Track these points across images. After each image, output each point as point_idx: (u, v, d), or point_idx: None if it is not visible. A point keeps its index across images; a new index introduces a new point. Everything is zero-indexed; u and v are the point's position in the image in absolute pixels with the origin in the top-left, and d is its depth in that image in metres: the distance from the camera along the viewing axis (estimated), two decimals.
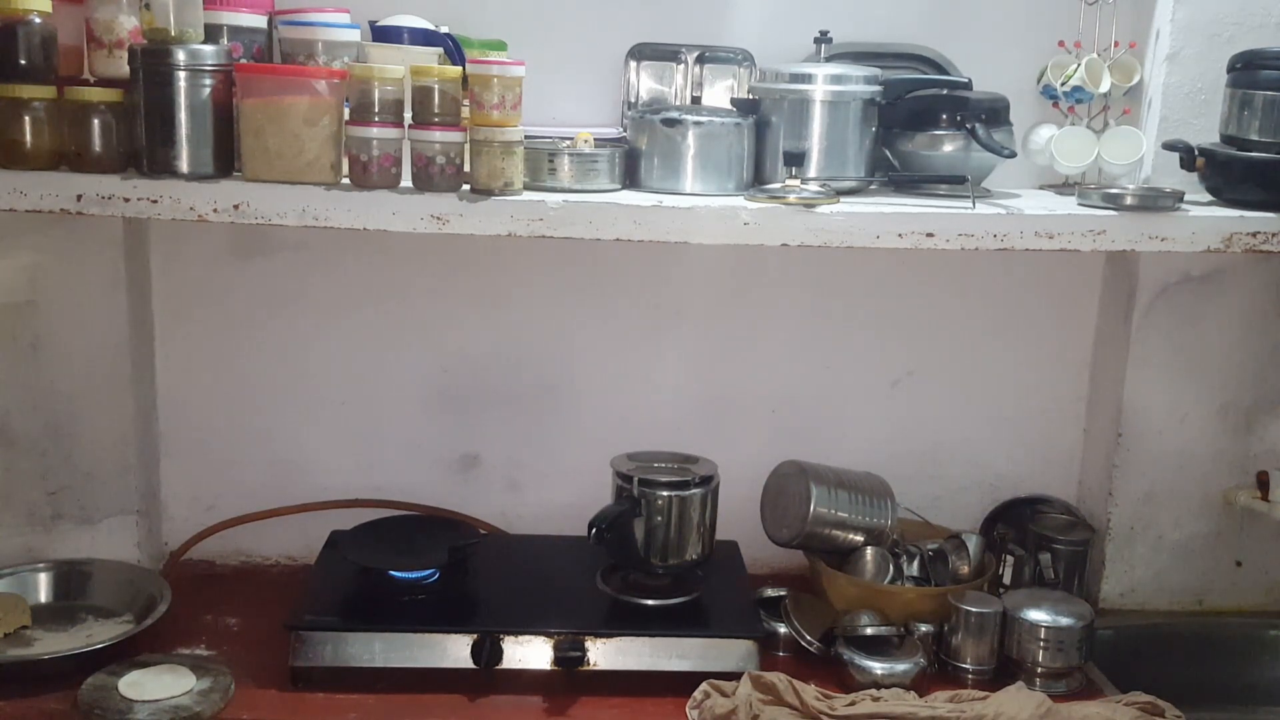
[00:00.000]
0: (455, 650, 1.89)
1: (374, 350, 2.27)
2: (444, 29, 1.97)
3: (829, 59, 2.01)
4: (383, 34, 1.94)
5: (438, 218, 1.77)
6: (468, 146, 1.78)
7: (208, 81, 1.74)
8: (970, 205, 1.88)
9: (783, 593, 2.14)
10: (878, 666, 1.93)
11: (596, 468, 2.09)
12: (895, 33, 2.17)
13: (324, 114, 1.76)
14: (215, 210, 1.75)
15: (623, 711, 1.85)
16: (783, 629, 2.04)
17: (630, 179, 1.93)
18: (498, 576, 2.09)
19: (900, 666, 1.93)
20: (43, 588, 2.10)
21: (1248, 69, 1.99)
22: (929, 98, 2.00)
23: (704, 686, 1.85)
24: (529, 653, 1.90)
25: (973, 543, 2.16)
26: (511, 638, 1.90)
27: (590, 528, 1.97)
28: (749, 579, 2.17)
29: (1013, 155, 1.98)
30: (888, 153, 2.01)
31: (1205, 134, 2.08)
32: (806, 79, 1.95)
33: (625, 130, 2.00)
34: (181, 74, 1.72)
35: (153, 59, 1.72)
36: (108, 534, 2.18)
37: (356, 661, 1.88)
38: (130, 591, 2.08)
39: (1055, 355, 2.35)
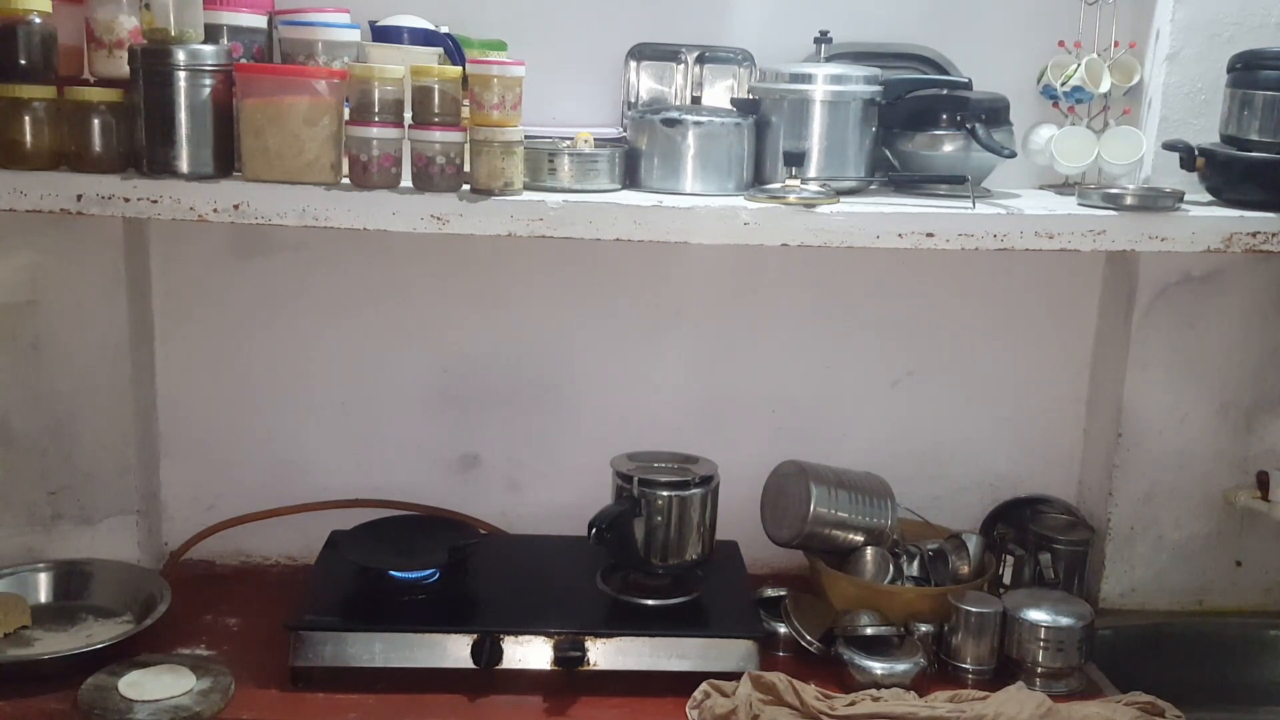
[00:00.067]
0: (455, 650, 1.89)
1: (374, 350, 2.27)
2: (444, 29, 1.97)
3: (829, 59, 2.01)
4: (383, 34, 1.94)
5: (438, 218, 1.77)
6: (468, 146, 1.78)
7: (208, 81, 1.74)
8: (970, 205, 1.88)
9: (783, 593, 2.14)
10: (878, 666, 1.93)
11: (596, 468, 2.09)
12: (895, 33, 2.17)
13: (324, 114, 1.76)
14: (215, 210, 1.75)
15: (623, 711, 1.85)
16: (783, 629, 2.04)
17: (630, 179, 1.93)
18: (498, 576, 2.09)
19: (900, 666, 1.93)
20: (43, 588, 2.10)
21: (1248, 69, 1.99)
22: (929, 98, 2.00)
23: (704, 686, 1.85)
24: (529, 653, 1.90)
25: (973, 543, 2.16)
26: (511, 638, 1.90)
27: (590, 528, 1.97)
28: (749, 579, 2.17)
29: (1013, 155, 1.98)
30: (888, 153, 2.01)
31: (1205, 134, 2.08)
32: (806, 79, 1.95)
33: (625, 130, 2.00)
34: (181, 74, 1.72)
35: (153, 59, 1.72)
36: (108, 534, 2.18)
37: (356, 661, 1.89)
38: (130, 591, 2.08)
39: (1055, 355, 2.35)
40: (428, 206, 1.77)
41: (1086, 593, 2.27)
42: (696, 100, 2.13)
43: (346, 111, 1.79)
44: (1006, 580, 2.20)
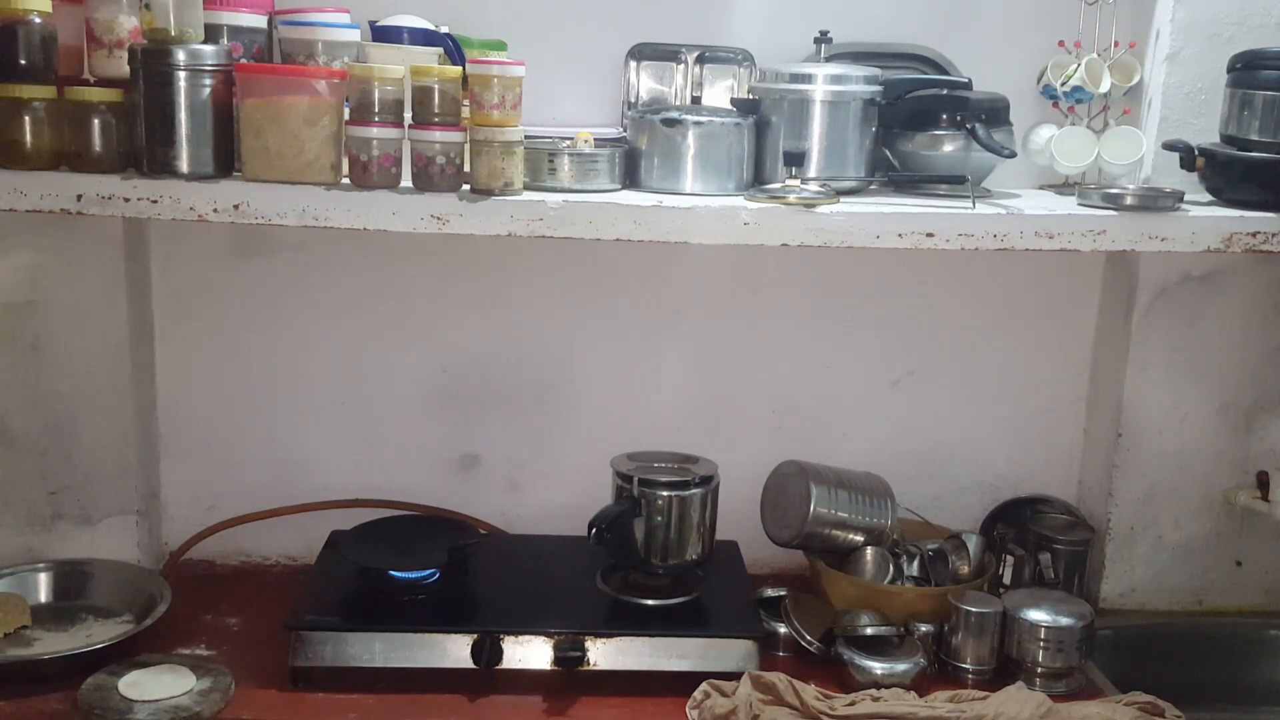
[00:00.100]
0: (455, 650, 1.89)
1: (374, 350, 2.27)
2: (444, 29, 1.97)
3: (829, 59, 2.01)
4: (383, 34, 1.94)
5: (438, 218, 1.77)
6: (468, 146, 1.78)
7: (208, 81, 1.74)
8: (970, 205, 1.88)
9: (783, 593, 2.14)
10: (878, 666, 1.93)
11: (596, 468, 2.09)
12: (895, 33, 2.17)
13: (324, 114, 1.76)
14: (215, 210, 1.75)
15: (623, 711, 1.85)
16: (783, 629, 2.04)
17: (630, 179, 1.93)
18: (498, 576, 2.09)
19: (900, 666, 1.93)
20: (43, 588, 2.10)
21: (1248, 69, 1.99)
22: (929, 98, 2.00)
23: (704, 686, 1.85)
24: (529, 653, 1.90)
25: (973, 543, 2.16)
26: (511, 638, 1.90)
27: (590, 528, 1.97)
28: (749, 579, 2.17)
29: (1013, 155, 1.98)
30: (888, 153, 2.01)
31: (1205, 134, 2.08)
32: (806, 79, 1.95)
33: (625, 130, 2.00)
34: (181, 74, 1.72)
35: (153, 59, 1.72)
36: (108, 534, 2.18)
37: (356, 661, 1.88)
38: (130, 591, 2.08)
39: (1055, 355, 2.35)
40: (428, 206, 1.77)
41: (1086, 593, 2.27)
42: (696, 100, 2.13)
43: (346, 111, 1.79)
44: (1006, 580, 2.20)
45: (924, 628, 2.01)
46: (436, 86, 1.76)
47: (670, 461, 2.08)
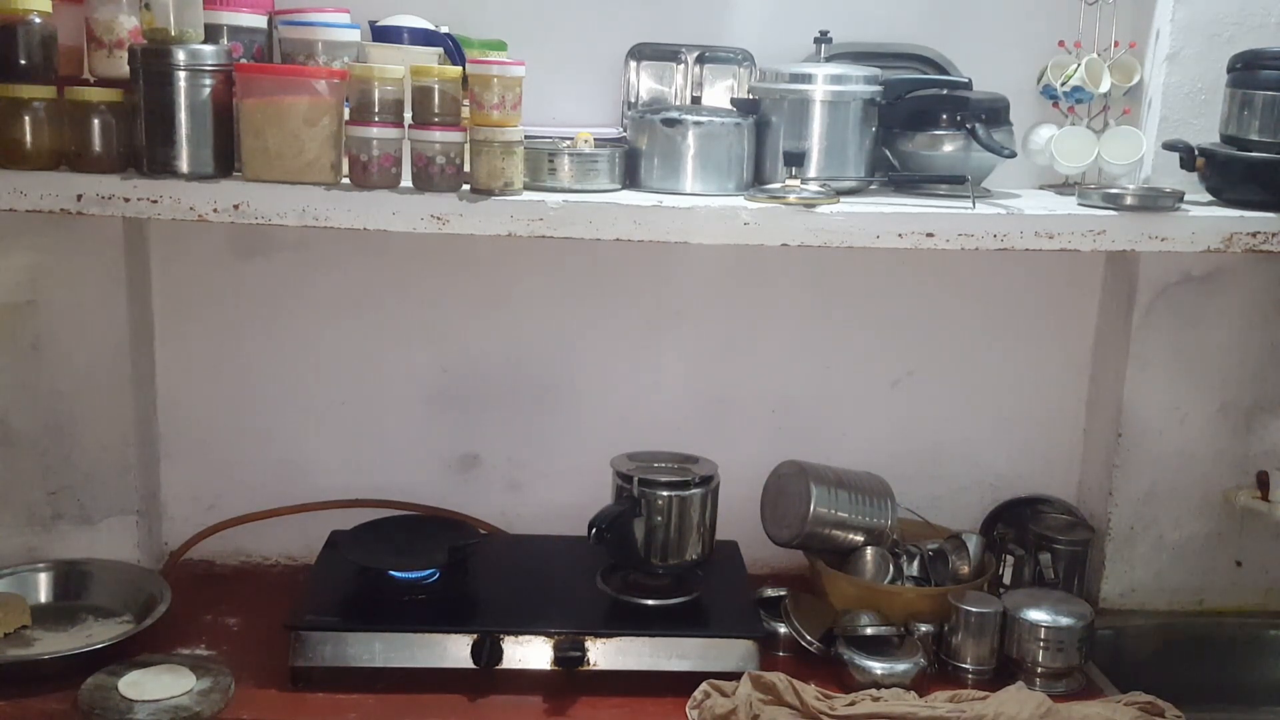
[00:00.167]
0: (455, 650, 1.89)
1: (374, 350, 2.27)
2: (444, 29, 1.97)
3: (829, 59, 2.01)
4: (383, 34, 1.94)
5: (438, 218, 1.77)
6: (468, 146, 1.78)
7: (208, 81, 1.74)
8: (970, 205, 1.88)
9: (783, 593, 2.14)
10: (878, 666, 1.93)
11: (596, 468, 2.09)
12: (895, 33, 2.17)
13: (324, 114, 1.76)
14: (215, 210, 1.75)
15: (623, 711, 1.85)
16: (783, 629, 2.04)
17: (630, 179, 1.93)
18: (498, 576, 2.09)
19: (900, 666, 1.93)
20: (43, 588, 2.10)
21: (1248, 69, 1.99)
22: (929, 98, 2.00)
23: (704, 686, 1.85)
24: (529, 653, 1.90)
25: (973, 543, 2.16)
26: (511, 638, 1.90)
27: (590, 528, 1.97)
28: (749, 579, 2.17)
29: (1013, 155, 1.98)
30: (888, 153, 2.01)
31: (1205, 134, 2.08)
32: (806, 79, 1.95)
33: (625, 130, 2.00)
34: (181, 74, 1.72)
35: (153, 59, 1.72)
36: (108, 534, 2.18)
37: (356, 661, 1.88)
38: (130, 591, 2.08)
39: (1055, 355, 2.35)
40: (428, 206, 1.77)
41: (1086, 593, 2.27)
42: (696, 100, 2.13)
43: (346, 111, 1.79)
44: (1006, 580, 2.20)
45: (924, 628, 2.01)
46: (436, 86, 1.76)
47: (670, 461, 2.08)
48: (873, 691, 1.88)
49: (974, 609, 1.99)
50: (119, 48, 1.80)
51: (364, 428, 2.29)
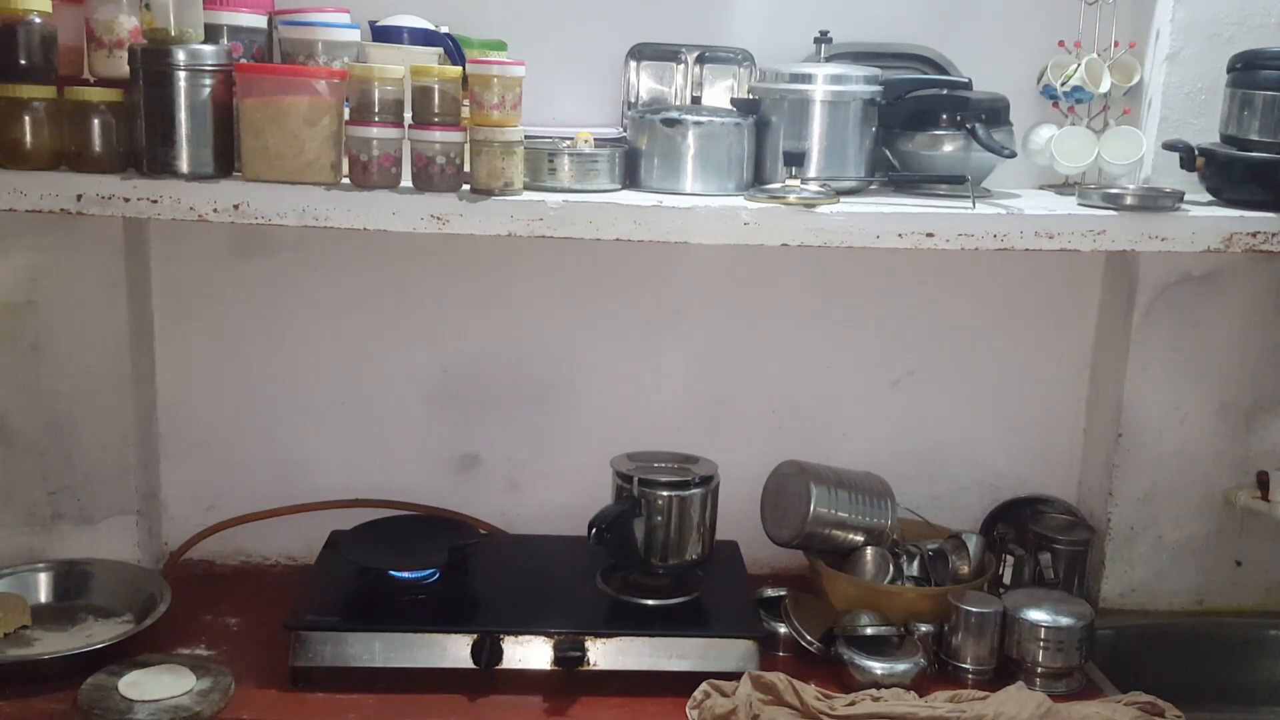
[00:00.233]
0: (455, 650, 1.89)
1: (374, 350, 2.27)
2: (444, 29, 1.97)
3: (829, 59, 2.01)
4: (383, 34, 1.94)
5: (438, 218, 1.77)
6: (468, 146, 1.78)
7: (208, 81, 1.74)
8: (970, 205, 1.88)
9: (783, 593, 2.14)
10: (878, 666, 1.93)
11: (596, 468, 2.09)
12: (895, 33, 2.17)
13: (324, 114, 1.76)
14: (215, 210, 1.75)
15: (623, 711, 1.85)
16: (783, 629, 2.04)
17: (630, 179, 1.93)
18: (498, 576, 2.09)
19: (900, 666, 1.93)
20: (43, 588, 2.10)
21: (1248, 69, 1.99)
22: (929, 98, 2.00)
23: (704, 686, 1.85)
24: (529, 653, 1.90)
25: (973, 543, 2.16)
26: (511, 638, 1.90)
27: (590, 528, 1.97)
28: (749, 579, 2.17)
29: (1013, 155, 1.98)
30: (888, 153, 2.01)
31: (1205, 134, 2.08)
32: (806, 79, 1.95)
33: (625, 130, 2.00)
34: (181, 74, 1.72)
35: (153, 59, 1.72)
36: (108, 534, 2.18)
37: (356, 661, 1.88)
38: (130, 591, 2.08)
39: (1055, 355, 2.35)
40: (428, 206, 1.77)
41: (1086, 593, 2.27)
42: (696, 100, 2.13)
43: (346, 111, 1.79)
44: (1006, 580, 2.20)
45: (924, 628, 2.01)
46: (436, 86, 1.76)
47: (670, 461, 2.08)
48: (873, 691, 1.88)
49: (974, 609, 1.99)
50: (119, 48, 1.80)
51: (364, 428, 2.29)
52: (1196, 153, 2.02)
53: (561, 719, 1.84)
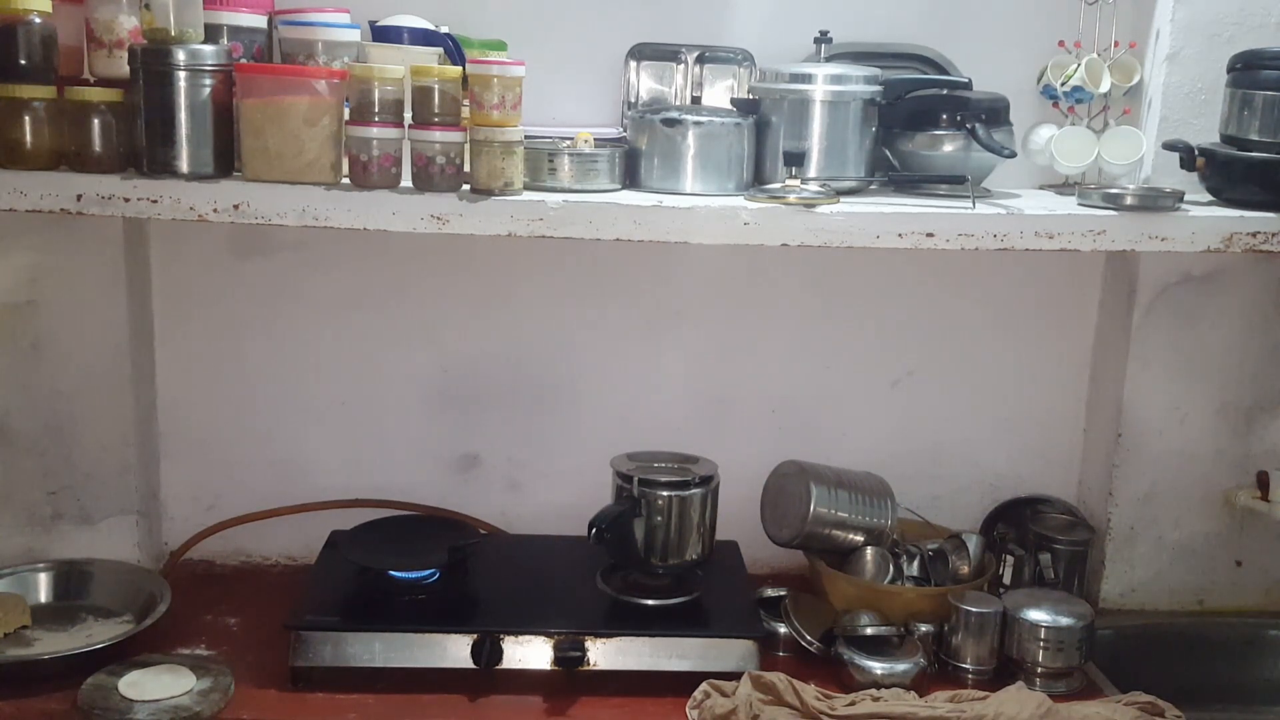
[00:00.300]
0: (455, 650, 1.89)
1: (374, 350, 2.27)
2: (444, 29, 1.97)
3: (829, 59, 2.01)
4: (383, 34, 1.94)
5: (438, 218, 1.77)
6: (468, 146, 1.78)
7: (208, 81, 1.74)
8: (970, 205, 1.88)
9: (783, 593, 2.14)
10: (878, 666, 1.93)
11: (596, 468, 2.09)
12: (895, 33, 2.17)
13: (324, 114, 1.76)
14: (215, 210, 1.75)
15: (623, 711, 1.85)
16: (783, 629, 2.04)
17: (630, 179, 1.93)
18: (498, 576, 2.09)
19: (900, 666, 1.93)
20: (43, 588, 2.10)
21: (1248, 69, 1.99)
22: (929, 98, 2.00)
23: (704, 686, 1.85)
24: (529, 653, 1.90)
25: (973, 543, 2.16)
26: (511, 638, 1.90)
27: (590, 528, 1.97)
28: (749, 579, 2.17)
29: (1013, 155, 1.98)
30: (888, 153, 2.02)
31: (1205, 134, 2.08)
32: (806, 79, 1.95)
33: (625, 130, 2.00)
34: (181, 74, 1.72)
35: (153, 59, 1.72)
36: (108, 534, 2.18)
37: (356, 661, 1.88)
38: (130, 591, 2.08)
39: (1055, 355, 2.35)
40: (428, 206, 1.77)
41: (1086, 593, 2.27)
42: (696, 100, 2.13)
43: (346, 111, 1.79)
44: (1006, 580, 2.20)
45: (924, 628, 2.01)
46: (436, 86, 1.76)
47: (670, 461, 2.08)
48: (873, 691, 1.88)
49: (974, 609, 1.99)
50: (119, 48, 1.80)
51: (364, 428, 2.29)
52: (1196, 153, 2.02)
53: (561, 719, 1.84)
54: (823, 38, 2.01)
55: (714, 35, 2.14)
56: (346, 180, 1.81)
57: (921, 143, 2.00)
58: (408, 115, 1.78)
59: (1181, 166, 2.04)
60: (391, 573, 2.00)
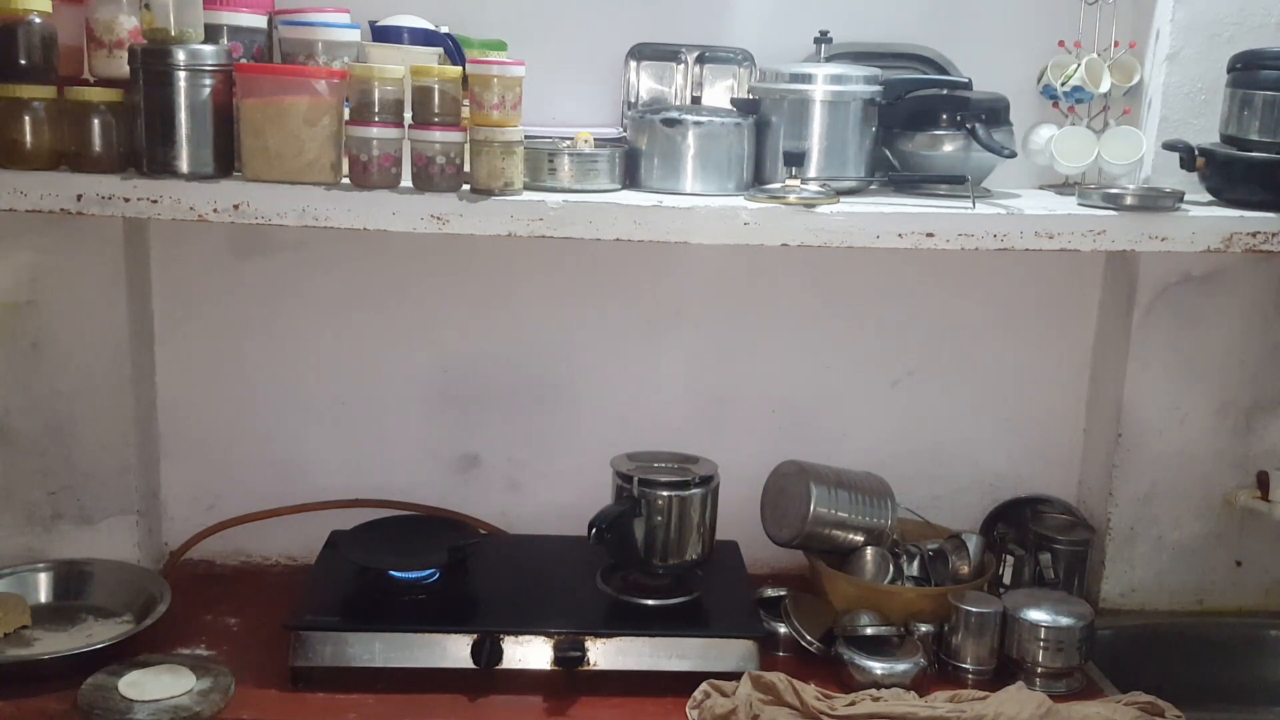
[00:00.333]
0: (455, 650, 1.89)
1: (374, 350, 2.27)
2: (444, 29, 1.97)
3: (829, 59, 2.01)
4: (383, 34, 1.94)
5: (438, 218, 1.77)
6: (468, 146, 1.78)
7: (208, 81, 1.74)
8: (970, 205, 1.88)
9: (783, 593, 2.14)
10: (878, 666, 1.93)
11: (596, 468, 2.09)
12: (895, 33, 2.17)
13: (324, 114, 1.76)
14: (215, 210, 1.75)
15: (623, 711, 1.85)
16: (783, 629, 2.04)
17: (630, 179, 1.93)
18: (498, 576, 2.09)
19: (900, 666, 1.93)
20: (43, 588, 2.10)
21: (1248, 69, 1.99)
22: (929, 98, 2.00)
23: (704, 686, 1.85)
24: (529, 653, 1.90)
25: (973, 543, 2.16)
26: (511, 638, 1.90)
27: (590, 528, 1.97)
28: (749, 579, 2.17)
29: (1013, 155, 1.98)
30: (888, 153, 2.02)
31: (1205, 134, 2.08)
32: (806, 79, 1.95)
33: (625, 130, 2.00)
34: (181, 74, 1.72)
35: (153, 59, 1.72)
36: (108, 534, 2.18)
37: (356, 661, 1.88)
38: (130, 591, 2.08)
39: (1055, 355, 2.35)
40: (428, 206, 1.77)
41: (1086, 593, 2.27)
42: (696, 100, 2.13)
43: (346, 111, 1.79)
44: (1006, 580, 2.20)
45: (924, 628, 2.01)
46: (436, 86, 1.76)
47: (670, 461, 2.08)
48: (873, 691, 1.88)
49: (974, 609, 1.99)
50: (119, 48, 1.80)
51: (364, 428, 2.29)
52: (1196, 153, 2.02)
53: (561, 719, 1.84)
54: (823, 38, 2.01)
55: (714, 35, 2.14)
56: (346, 180, 1.81)
57: (921, 143, 2.00)
58: (408, 115, 1.78)
59: (1181, 166, 2.04)
60: (391, 573, 2.00)
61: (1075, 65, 2.12)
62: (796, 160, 1.88)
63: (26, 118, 1.75)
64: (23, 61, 1.74)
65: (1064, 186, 2.18)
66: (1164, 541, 2.31)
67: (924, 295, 2.30)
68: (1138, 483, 2.28)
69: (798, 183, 1.85)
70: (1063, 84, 2.12)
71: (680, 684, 1.87)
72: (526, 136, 1.80)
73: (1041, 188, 2.21)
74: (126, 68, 1.76)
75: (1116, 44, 2.15)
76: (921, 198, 1.96)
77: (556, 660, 1.89)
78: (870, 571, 2.11)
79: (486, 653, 1.88)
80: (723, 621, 1.99)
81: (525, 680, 1.90)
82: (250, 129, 1.75)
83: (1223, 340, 2.24)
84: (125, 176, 1.76)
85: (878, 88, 1.98)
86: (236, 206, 1.75)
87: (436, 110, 1.76)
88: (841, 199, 1.87)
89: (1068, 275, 2.30)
